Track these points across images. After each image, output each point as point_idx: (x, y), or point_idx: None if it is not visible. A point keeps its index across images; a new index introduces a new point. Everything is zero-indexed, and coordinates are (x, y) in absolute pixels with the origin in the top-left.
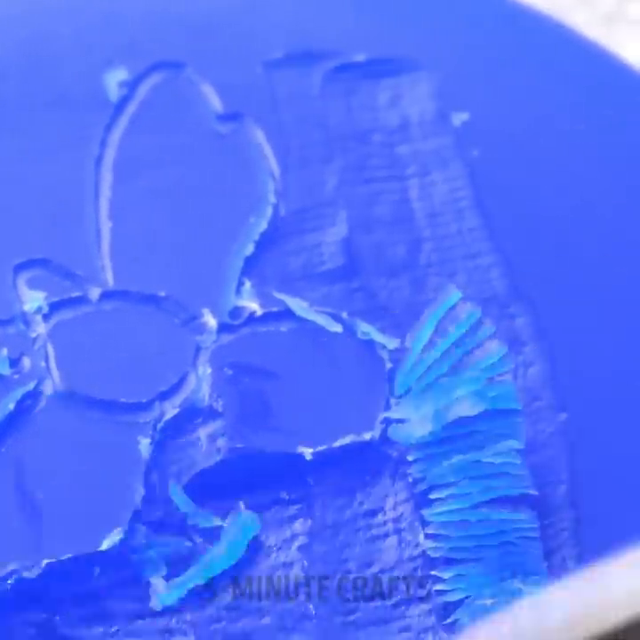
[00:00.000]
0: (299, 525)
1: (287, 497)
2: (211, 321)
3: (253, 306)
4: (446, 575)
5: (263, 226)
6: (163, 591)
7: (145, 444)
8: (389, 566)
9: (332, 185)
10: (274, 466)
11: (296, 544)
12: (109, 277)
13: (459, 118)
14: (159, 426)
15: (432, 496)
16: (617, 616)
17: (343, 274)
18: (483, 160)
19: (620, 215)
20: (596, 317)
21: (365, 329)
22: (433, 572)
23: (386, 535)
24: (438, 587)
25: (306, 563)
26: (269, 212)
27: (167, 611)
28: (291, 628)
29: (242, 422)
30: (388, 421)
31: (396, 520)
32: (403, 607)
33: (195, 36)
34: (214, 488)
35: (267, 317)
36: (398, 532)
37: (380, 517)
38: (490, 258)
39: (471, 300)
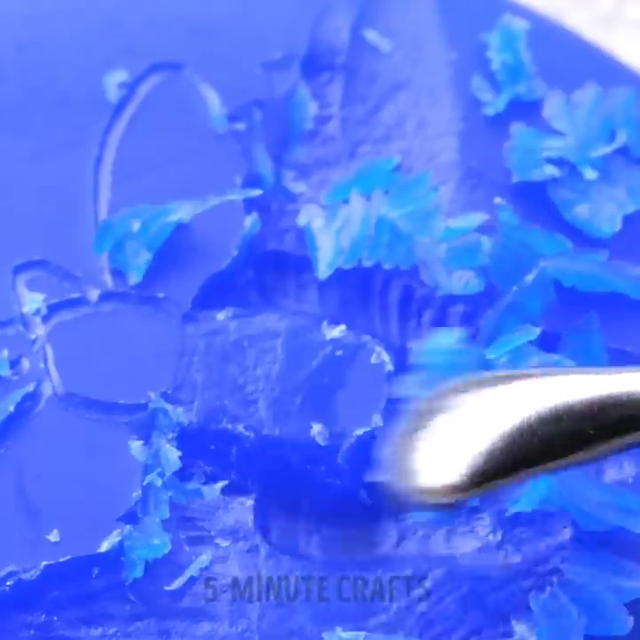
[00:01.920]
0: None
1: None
2: (210, 323)
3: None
4: None
5: (259, 226)
6: None
7: (138, 446)
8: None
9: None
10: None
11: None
12: (108, 279)
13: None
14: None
15: None
16: None
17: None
18: (481, 163)
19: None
20: None
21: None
22: None
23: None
24: None
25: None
26: (266, 212)
27: (166, 612)
28: (290, 629)
29: (241, 424)
30: None
31: None
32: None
33: (194, 37)
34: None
35: (266, 319)
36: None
37: None
38: None
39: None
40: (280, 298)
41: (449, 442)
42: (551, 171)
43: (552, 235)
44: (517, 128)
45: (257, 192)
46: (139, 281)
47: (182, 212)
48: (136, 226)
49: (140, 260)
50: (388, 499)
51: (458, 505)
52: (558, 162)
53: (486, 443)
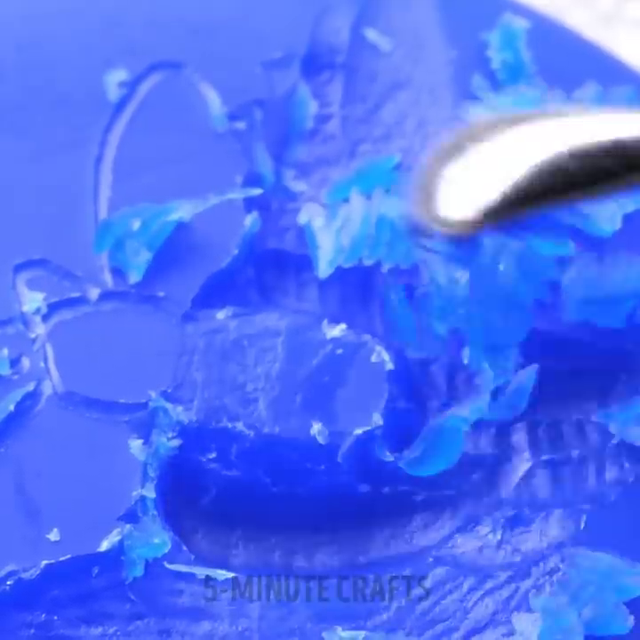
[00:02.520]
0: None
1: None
2: (210, 322)
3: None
4: None
5: (259, 225)
6: None
7: (138, 444)
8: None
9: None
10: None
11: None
12: (108, 278)
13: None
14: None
15: None
16: None
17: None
18: None
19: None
20: None
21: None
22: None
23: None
24: None
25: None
26: (267, 211)
27: (166, 611)
28: (290, 628)
29: (241, 422)
30: None
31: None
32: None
33: (194, 37)
34: None
35: (267, 318)
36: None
37: None
38: None
39: None
40: (280, 297)
41: (475, 173)
42: None
43: (553, 234)
44: None
45: (257, 191)
46: (138, 280)
47: (182, 211)
48: (136, 225)
49: (139, 260)
50: (408, 228)
51: (478, 228)
52: None
53: (512, 174)
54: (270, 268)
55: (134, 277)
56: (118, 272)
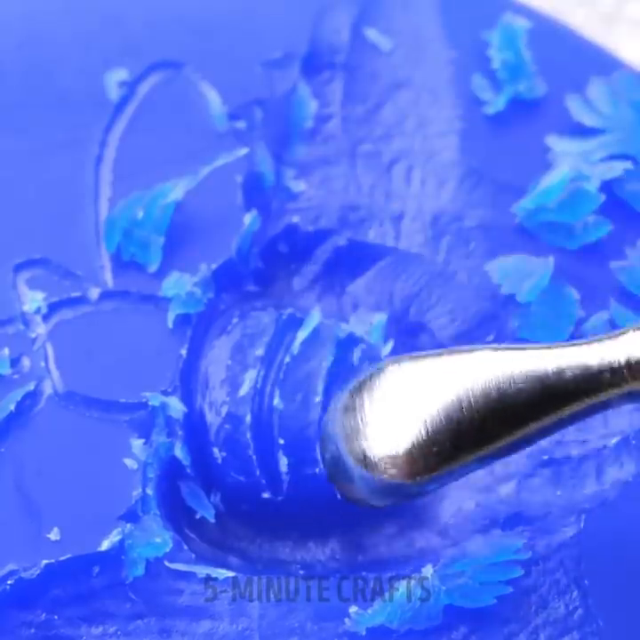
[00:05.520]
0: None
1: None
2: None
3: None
4: None
5: (259, 223)
6: None
7: (138, 444)
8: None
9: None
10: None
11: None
12: (109, 277)
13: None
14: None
15: None
16: None
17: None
18: (482, 162)
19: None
20: None
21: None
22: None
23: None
24: None
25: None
26: (267, 210)
27: (166, 611)
28: (290, 628)
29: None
30: None
31: None
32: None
33: (194, 36)
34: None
35: (267, 317)
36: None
37: None
38: None
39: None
40: (280, 295)
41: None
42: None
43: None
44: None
45: (244, 151)
46: (156, 269)
47: (177, 190)
48: (140, 214)
49: (153, 246)
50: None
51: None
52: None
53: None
54: (270, 266)
55: (153, 267)
56: (135, 265)
